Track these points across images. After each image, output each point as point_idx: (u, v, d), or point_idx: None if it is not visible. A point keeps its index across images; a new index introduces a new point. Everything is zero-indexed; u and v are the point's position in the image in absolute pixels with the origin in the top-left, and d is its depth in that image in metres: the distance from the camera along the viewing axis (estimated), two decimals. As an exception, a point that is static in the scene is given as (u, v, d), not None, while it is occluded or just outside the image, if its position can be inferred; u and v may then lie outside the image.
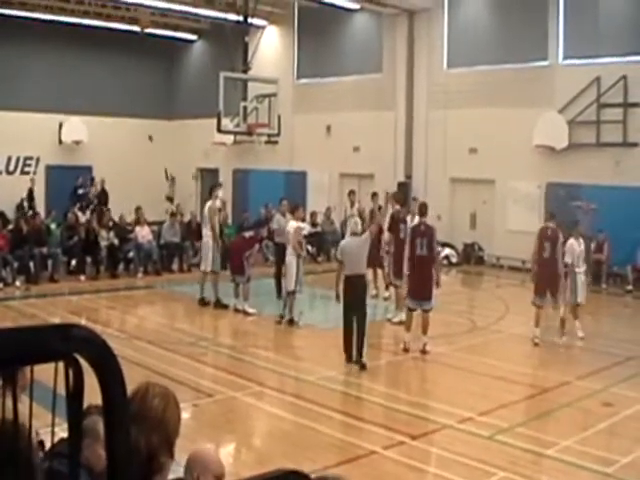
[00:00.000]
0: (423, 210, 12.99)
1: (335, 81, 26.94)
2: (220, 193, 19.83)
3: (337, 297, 11.99)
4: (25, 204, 26.56)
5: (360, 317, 11.66)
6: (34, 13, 27.71)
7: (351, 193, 19.67)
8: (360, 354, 11.54)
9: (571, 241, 13.35)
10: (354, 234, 12.26)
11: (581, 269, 13.45)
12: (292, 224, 14.83)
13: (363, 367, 11.47)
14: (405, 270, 12.82)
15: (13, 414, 1.49)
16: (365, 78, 26.09)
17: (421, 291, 12.49)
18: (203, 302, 16.27)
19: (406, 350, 12.46)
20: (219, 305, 16.01)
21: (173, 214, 22.27)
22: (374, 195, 18.16)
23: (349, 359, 11.70)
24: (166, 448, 2.81)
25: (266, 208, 22.11)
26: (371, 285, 17.73)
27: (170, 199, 27.46)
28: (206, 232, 16.36)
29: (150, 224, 21.65)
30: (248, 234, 16.17)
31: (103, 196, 26.97)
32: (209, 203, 16.58)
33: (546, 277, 13.18)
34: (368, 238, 12.06)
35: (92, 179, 28.67)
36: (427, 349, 12.39)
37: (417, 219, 13.12)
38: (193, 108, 30.74)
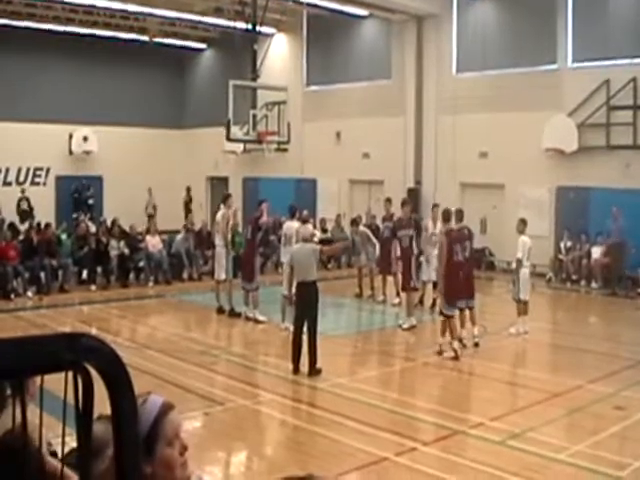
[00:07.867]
0: (460, 216, 13.40)
1: (344, 88, 27.00)
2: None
3: (289, 301, 12.40)
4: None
5: (311, 323, 11.46)
6: (43, 24, 27.92)
7: (387, 201, 18.67)
8: (314, 360, 11.41)
9: (522, 237, 13.84)
10: (304, 240, 12.13)
11: (527, 265, 13.99)
12: (294, 225, 14.89)
13: (318, 372, 11.36)
14: (442, 274, 12.98)
15: (22, 424, 1.50)
16: (374, 84, 26.14)
17: (469, 290, 13.15)
18: (221, 311, 16.31)
19: (461, 342, 12.79)
20: (233, 314, 16.02)
21: (188, 230, 22.08)
22: (387, 200, 18.33)
23: (296, 370, 11.50)
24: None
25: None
26: (379, 292, 17.84)
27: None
28: (218, 241, 16.44)
29: (160, 233, 21.68)
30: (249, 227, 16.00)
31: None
32: (221, 212, 16.64)
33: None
34: (317, 249, 11.98)
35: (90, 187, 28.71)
36: (477, 341, 13.17)
37: (453, 224, 13.33)
38: (203, 117, 30.83)
